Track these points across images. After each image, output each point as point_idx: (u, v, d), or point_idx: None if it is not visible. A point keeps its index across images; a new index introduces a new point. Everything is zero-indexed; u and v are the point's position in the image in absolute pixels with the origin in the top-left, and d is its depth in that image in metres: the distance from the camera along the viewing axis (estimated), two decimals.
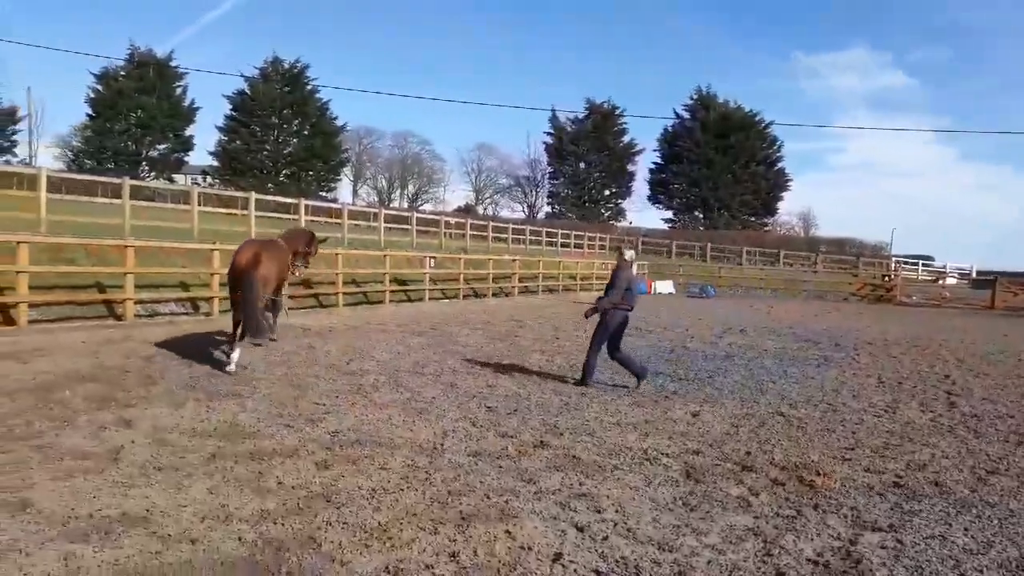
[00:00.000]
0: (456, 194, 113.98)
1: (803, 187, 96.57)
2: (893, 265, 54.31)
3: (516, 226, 45.51)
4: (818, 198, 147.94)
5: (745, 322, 20.86)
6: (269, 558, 3.94)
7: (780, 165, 75.87)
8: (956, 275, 55.00)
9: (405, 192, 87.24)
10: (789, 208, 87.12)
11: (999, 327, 23.88)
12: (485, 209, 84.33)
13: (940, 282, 49.92)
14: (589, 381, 9.48)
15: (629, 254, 9.72)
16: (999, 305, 35.10)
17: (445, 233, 34.16)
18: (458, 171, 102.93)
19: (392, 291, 20.84)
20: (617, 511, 4.86)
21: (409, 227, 30.52)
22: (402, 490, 5.06)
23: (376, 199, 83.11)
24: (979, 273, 53.67)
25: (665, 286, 38.24)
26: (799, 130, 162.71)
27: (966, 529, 4.81)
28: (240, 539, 4.15)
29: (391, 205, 78.70)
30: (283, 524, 4.39)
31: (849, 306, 33.11)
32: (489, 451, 6.14)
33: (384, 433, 6.58)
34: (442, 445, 6.26)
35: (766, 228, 75.68)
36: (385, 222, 28.50)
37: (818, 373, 11.54)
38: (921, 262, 58.09)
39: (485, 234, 37.47)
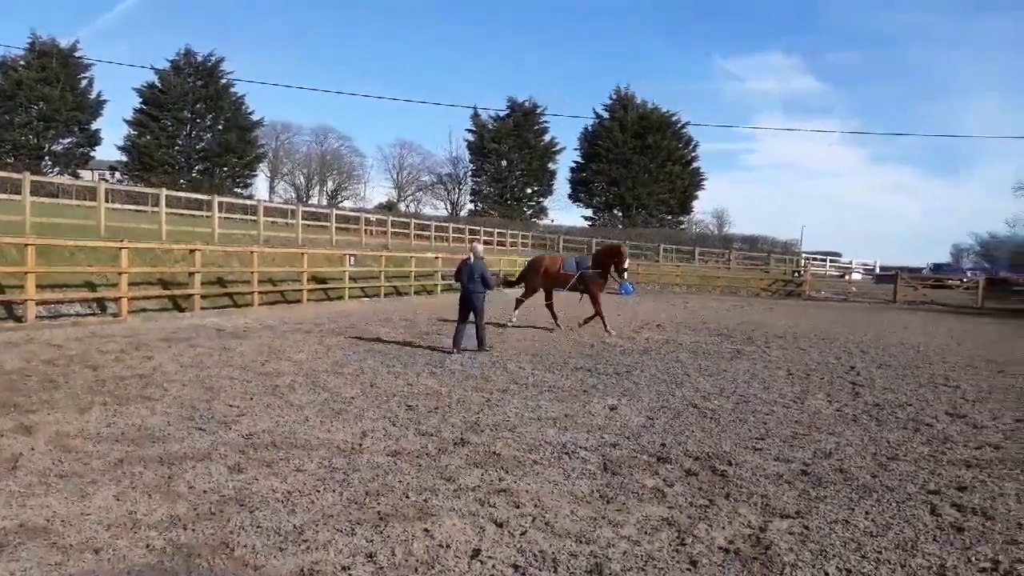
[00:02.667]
0: (377, 191, 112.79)
1: (718, 186, 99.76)
2: (803, 261, 56.44)
3: (439, 223, 45.40)
4: (732, 197, 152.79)
5: (662, 318, 21.32)
6: (179, 565, 3.81)
7: (696, 165, 78.06)
8: (861, 271, 57.61)
9: (324, 189, 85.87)
10: (704, 207, 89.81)
11: (900, 320, 25.15)
12: (407, 206, 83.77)
13: (847, 277, 52.17)
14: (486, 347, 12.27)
15: (479, 249, 12.74)
16: (900, 299, 36.94)
17: (366, 230, 33.79)
18: (379, 167, 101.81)
19: (310, 290, 20.47)
20: (536, 505, 4.90)
21: (328, 224, 30.06)
22: (318, 492, 4.97)
23: (294, 196, 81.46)
24: (882, 269, 56.32)
25: None
26: (714, 131, 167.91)
27: (867, 513, 5.03)
28: (148, 546, 4.00)
29: (310, 202, 77.29)
30: (194, 530, 4.25)
31: (761, 301, 34.24)
32: (409, 450, 6.10)
33: (300, 434, 6.45)
34: (360, 445, 6.18)
35: (682, 226, 77.72)
36: (303, 219, 28.01)
37: (731, 366, 11.89)
38: (829, 258, 60.69)
39: (407, 231, 37.23)
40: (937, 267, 61.57)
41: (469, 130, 78.07)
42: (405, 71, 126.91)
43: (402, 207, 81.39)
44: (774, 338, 16.61)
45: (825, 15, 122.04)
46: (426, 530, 4.38)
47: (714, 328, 18.20)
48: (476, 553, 4.10)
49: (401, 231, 37.65)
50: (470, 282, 12.26)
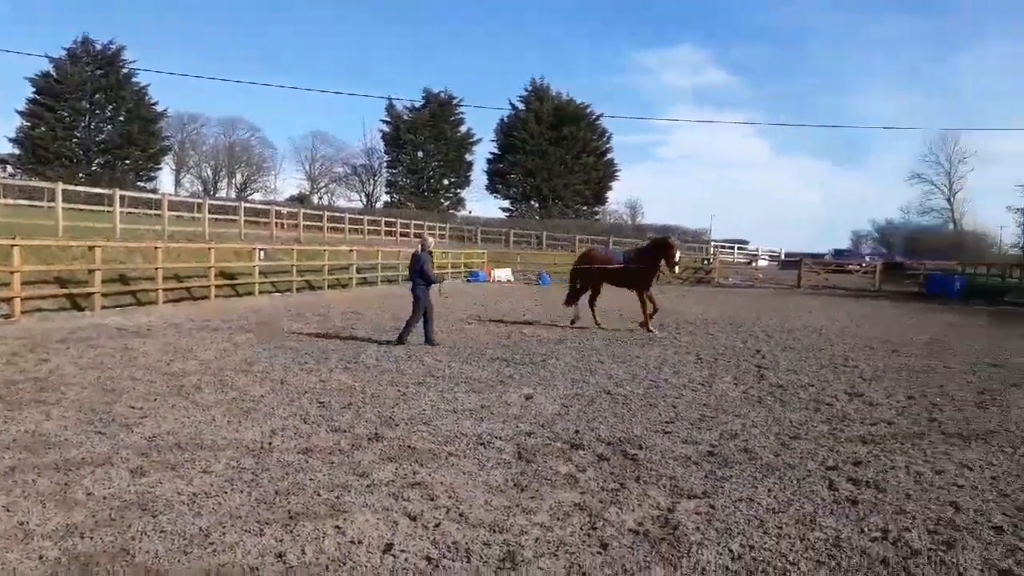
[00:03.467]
0: (289, 183, 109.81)
1: (631, 177, 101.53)
2: (712, 250, 58.12)
3: (353, 216, 44.68)
4: (645, 188, 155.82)
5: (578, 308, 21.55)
6: (74, 575, 3.64)
7: (610, 156, 79.35)
8: (767, 258, 59.76)
9: (233, 181, 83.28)
10: (618, 197, 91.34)
11: (804, 304, 26.22)
12: (320, 198, 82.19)
13: (753, 264, 54.10)
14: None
15: (428, 242, 12.96)
16: (804, 284, 38.53)
17: (277, 223, 33.01)
18: (291, 159, 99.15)
19: (218, 286, 19.84)
20: (450, 497, 4.89)
21: (237, 218, 29.18)
22: (226, 493, 4.83)
23: (201, 189, 78.73)
24: (787, 255, 58.50)
25: (504, 274, 38.87)
26: (628, 123, 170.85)
27: (770, 490, 5.23)
28: (41, 557, 3.81)
29: (218, 195, 74.86)
30: (92, 537, 4.07)
31: (672, 288, 35.04)
32: (320, 447, 5.99)
33: (207, 435, 6.25)
34: (270, 444, 6.03)
35: (597, 217, 78.89)
36: (211, 213, 27.12)
37: (642, 352, 12.16)
38: (737, 246, 62.64)
39: (320, 224, 36.52)
40: (838, 253, 64.48)
41: (384, 121, 77.31)
42: (318, 61, 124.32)
43: (315, 199, 79.82)
44: (684, 324, 17.07)
45: (732, 10, 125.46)
46: (338, 527, 4.32)
47: (627, 316, 18.56)
48: (389, 547, 4.07)
49: (314, 224, 36.89)
50: (414, 275, 12.30)
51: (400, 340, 12.09)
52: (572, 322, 15.91)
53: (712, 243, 64.10)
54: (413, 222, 47.99)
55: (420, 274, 12.13)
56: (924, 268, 42.19)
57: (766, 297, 30.44)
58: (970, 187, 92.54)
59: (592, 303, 16.26)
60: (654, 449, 6.22)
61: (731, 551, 4.14)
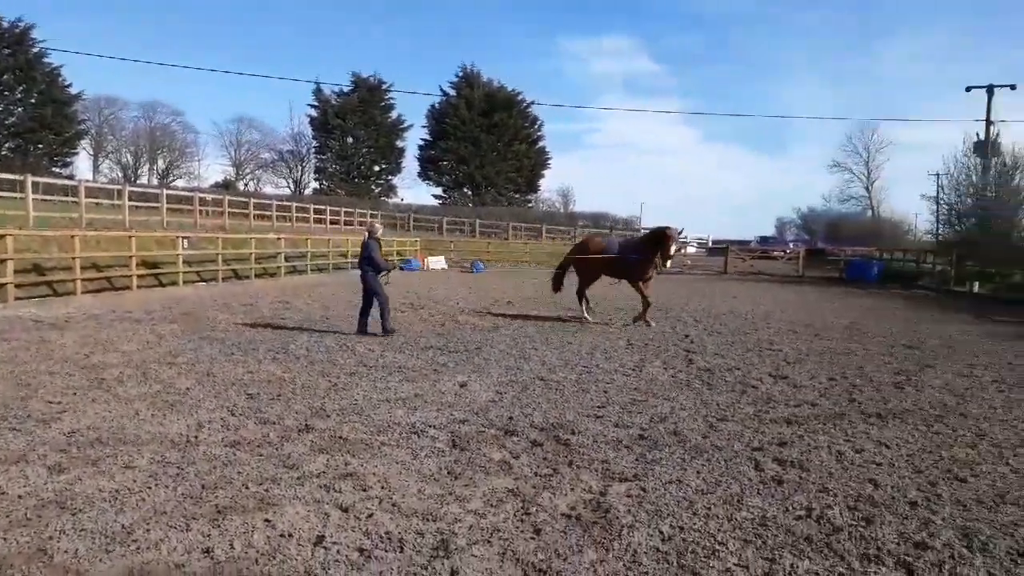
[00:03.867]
0: (213, 169, 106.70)
1: (563, 165, 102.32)
2: None
3: (281, 203, 43.70)
4: (577, 175, 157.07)
5: (511, 295, 21.67)
6: None
7: (541, 144, 79.71)
8: (696, 245, 61.01)
9: (154, 167, 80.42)
10: (550, 185, 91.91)
11: (731, 290, 26.88)
12: (246, 185, 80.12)
13: (683, 251, 55.14)
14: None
15: (375, 228, 12.64)
16: (731, 270, 39.52)
17: (201, 211, 32.07)
18: (215, 144, 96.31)
19: (140, 275, 19.17)
20: (383, 487, 4.86)
21: (159, 205, 28.20)
22: (150, 488, 4.68)
23: (121, 175, 75.76)
24: (715, 242, 59.96)
25: (438, 262, 38.70)
26: (559, 110, 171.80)
27: (698, 472, 5.36)
28: None
29: (138, 181, 72.20)
30: (5, 539, 3.89)
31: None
32: (249, 440, 5.86)
33: (130, 430, 6.04)
34: (196, 438, 5.87)
35: (529, 204, 79.19)
36: (131, 200, 26.20)
37: (575, 339, 12.28)
38: None
39: (246, 211, 35.55)
40: (764, 240, 66.49)
41: (312, 105, 75.69)
42: (242, 44, 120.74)
43: (240, 186, 77.76)
44: (616, 310, 17.29)
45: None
46: (267, 520, 4.24)
47: (560, 303, 18.70)
48: (320, 540, 4.02)
49: (240, 211, 35.89)
50: (363, 262, 12.16)
51: (385, 331, 11.89)
52: (583, 318, 14.92)
53: (642, 231, 65.11)
54: (343, 209, 47.16)
55: (368, 261, 12.01)
56: (844, 254, 43.81)
57: (694, 283, 31.09)
58: (887, 176, 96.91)
59: (581, 293, 15.30)
60: (586, 434, 6.30)
61: (661, 532, 4.22)
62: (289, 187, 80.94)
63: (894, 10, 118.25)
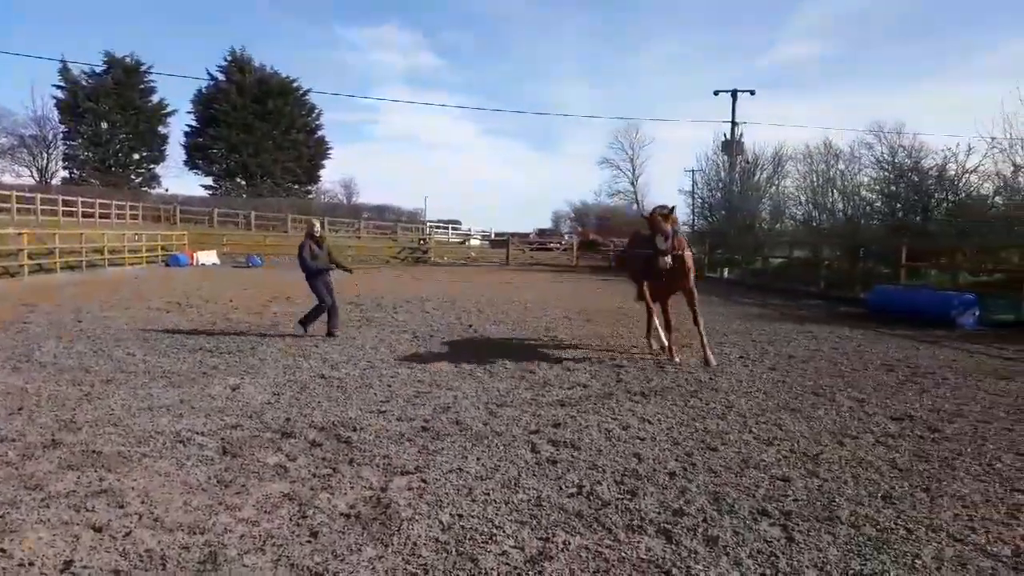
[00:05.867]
0: None
1: (345, 156, 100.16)
2: (427, 230, 59.39)
3: (23, 194, 38.89)
4: (359, 167, 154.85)
5: (290, 290, 20.87)
6: None
7: (321, 133, 77.39)
8: (479, 237, 62.42)
9: None
10: (331, 176, 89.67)
11: (512, 280, 27.79)
12: None
13: (467, 244, 56.23)
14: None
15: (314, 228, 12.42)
16: (512, 261, 40.91)
17: None
18: None
19: None
20: (143, 502, 4.45)
21: None
22: None
23: None
24: (496, 235, 61.55)
25: (209, 257, 36.36)
26: (340, 101, 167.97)
27: (479, 459, 5.45)
28: None
29: None
30: None
31: (391, 269, 35.30)
32: None
33: None
34: None
35: (310, 195, 76.71)
36: None
37: (359, 333, 12.07)
38: (451, 226, 64.67)
39: None
40: (542, 232, 69.18)
41: (58, 86, 67.73)
42: None
43: None
44: (401, 303, 17.24)
45: None
46: (2, 551, 3.73)
47: (346, 297, 18.32)
48: (68, 565, 3.60)
49: None
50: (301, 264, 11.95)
51: (330, 333, 11.74)
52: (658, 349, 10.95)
53: (427, 224, 65.57)
54: (99, 201, 42.75)
55: (303, 263, 11.79)
56: (613, 245, 46.81)
57: (478, 273, 31.80)
58: (650, 171, 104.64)
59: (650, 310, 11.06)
60: (368, 430, 6.19)
61: (441, 522, 4.23)
62: (33, 176, 72.23)
63: (652, 18, 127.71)
